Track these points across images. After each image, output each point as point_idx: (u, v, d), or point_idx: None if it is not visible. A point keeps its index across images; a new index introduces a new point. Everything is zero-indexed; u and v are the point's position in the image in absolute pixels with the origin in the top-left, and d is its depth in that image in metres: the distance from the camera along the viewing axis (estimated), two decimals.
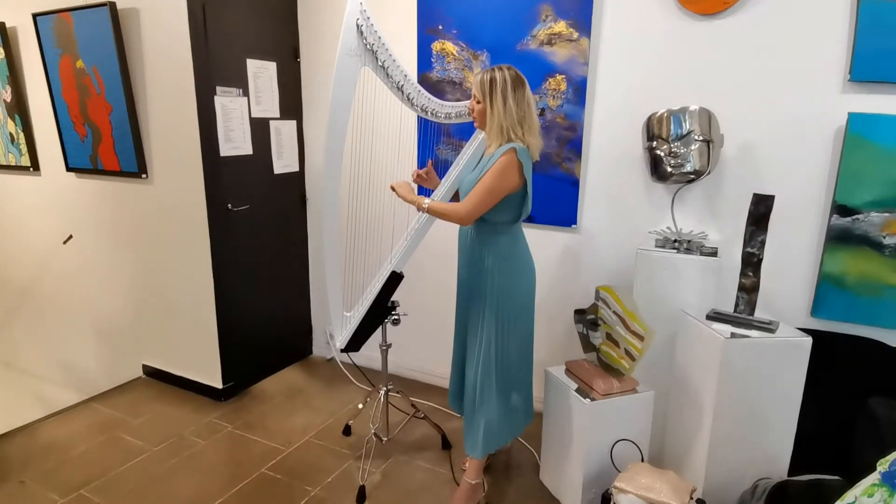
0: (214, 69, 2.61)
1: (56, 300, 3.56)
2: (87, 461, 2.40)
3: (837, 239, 2.06)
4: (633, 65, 2.32)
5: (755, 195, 1.86)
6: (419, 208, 1.97)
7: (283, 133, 3.04)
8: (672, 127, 2.08)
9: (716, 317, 1.97)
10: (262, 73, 2.86)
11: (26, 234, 3.56)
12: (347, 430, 2.60)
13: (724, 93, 2.16)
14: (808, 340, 1.85)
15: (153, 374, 3.17)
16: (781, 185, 2.11)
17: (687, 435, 2.05)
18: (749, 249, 1.90)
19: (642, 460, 1.99)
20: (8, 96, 3.29)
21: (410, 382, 3.10)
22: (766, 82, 2.11)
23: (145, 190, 2.87)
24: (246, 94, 2.79)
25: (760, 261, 1.89)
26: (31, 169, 3.34)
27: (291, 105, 3.09)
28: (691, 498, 1.72)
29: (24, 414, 2.76)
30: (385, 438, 2.50)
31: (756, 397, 1.87)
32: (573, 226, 2.56)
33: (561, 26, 2.37)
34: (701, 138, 2.04)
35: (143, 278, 3.06)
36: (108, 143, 2.87)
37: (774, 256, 2.12)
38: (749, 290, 1.92)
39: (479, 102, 1.91)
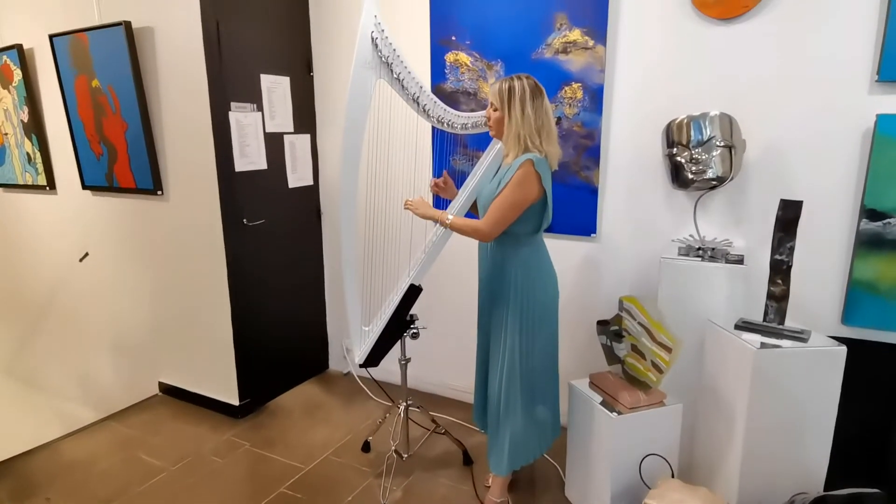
0: (229, 85, 2.61)
1: (73, 318, 3.57)
2: (108, 479, 2.38)
3: (868, 244, 2.01)
4: (650, 71, 2.29)
5: (782, 201, 1.82)
6: (441, 224, 1.94)
7: (297, 147, 3.04)
8: (692, 133, 2.04)
9: (745, 326, 1.92)
10: (276, 88, 2.87)
11: (44, 252, 3.58)
12: (367, 447, 2.57)
13: (746, 97, 2.12)
14: (843, 350, 1.79)
15: (169, 391, 3.16)
16: (808, 190, 2.06)
17: (718, 448, 1.99)
18: (778, 256, 1.85)
19: (672, 475, 1.94)
20: (25, 116, 3.32)
21: (430, 396, 3.06)
22: (789, 85, 2.07)
23: (161, 206, 2.88)
24: (260, 108, 2.79)
25: (790, 268, 1.84)
26: (48, 188, 3.36)
27: (305, 119, 3.09)
28: None
29: (44, 431, 2.76)
30: (405, 455, 2.46)
31: (790, 409, 1.81)
32: (592, 235, 2.52)
33: (576, 34, 2.35)
34: (723, 144, 2.00)
35: (159, 295, 3.05)
36: (123, 161, 2.88)
37: (802, 263, 2.06)
38: (779, 298, 1.87)
39: (496, 110, 1.88)
